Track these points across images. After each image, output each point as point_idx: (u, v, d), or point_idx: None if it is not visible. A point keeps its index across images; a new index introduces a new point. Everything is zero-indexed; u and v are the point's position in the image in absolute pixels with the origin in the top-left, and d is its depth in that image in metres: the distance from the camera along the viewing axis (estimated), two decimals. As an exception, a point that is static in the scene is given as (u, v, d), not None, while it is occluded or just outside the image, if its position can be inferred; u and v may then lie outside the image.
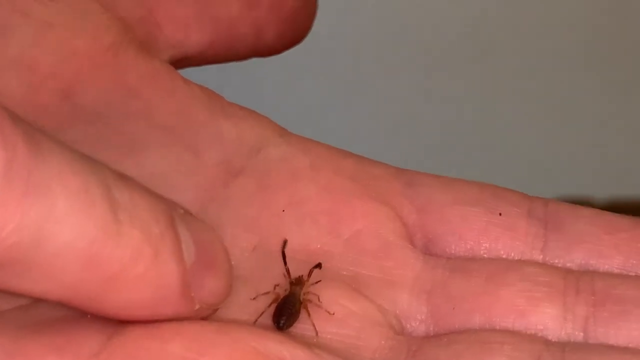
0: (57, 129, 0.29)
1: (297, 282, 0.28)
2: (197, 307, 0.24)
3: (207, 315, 0.25)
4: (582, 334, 0.27)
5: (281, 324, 0.27)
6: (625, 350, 0.26)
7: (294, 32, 0.34)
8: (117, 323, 0.24)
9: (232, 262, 0.28)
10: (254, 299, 0.27)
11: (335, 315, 0.27)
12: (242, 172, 0.30)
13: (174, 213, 0.24)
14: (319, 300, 0.27)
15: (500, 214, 0.30)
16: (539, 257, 0.29)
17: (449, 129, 0.64)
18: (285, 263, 0.28)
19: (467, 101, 0.65)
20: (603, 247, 0.29)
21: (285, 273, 0.28)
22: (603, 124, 0.66)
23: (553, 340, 0.27)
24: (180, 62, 0.32)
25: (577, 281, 0.28)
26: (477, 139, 0.65)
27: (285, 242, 0.28)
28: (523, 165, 0.66)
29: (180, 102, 0.30)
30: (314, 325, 0.27)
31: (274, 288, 0.28)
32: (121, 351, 0.24)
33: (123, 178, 0.23)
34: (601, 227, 0.29)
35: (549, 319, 0.27)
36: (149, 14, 0.31)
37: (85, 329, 0.24)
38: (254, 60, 0.35)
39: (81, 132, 0.29)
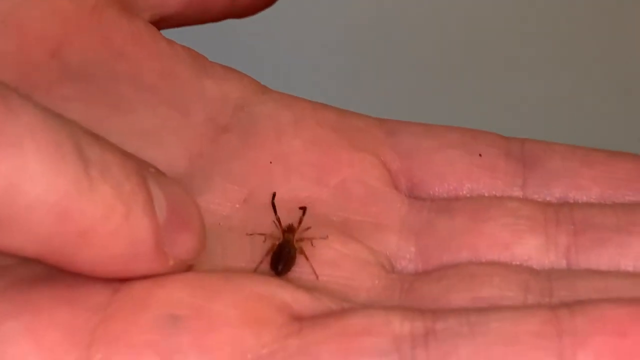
0: (47, 87, 0.29)
1: (289, 230, 0.29)
2: (170, 262, 0.25)
3: (181, 271, 0.25)
4: (565, 262, 0.28)
5: (279, 270, 0.27)
6: (607, 274, 0.27)
7: None
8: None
9: (225, 214, 0.29)
10: (250, 234, 0.28)
11: (328, 258, 0.28)
12: (227, 128, 0.31)
13: (145, 171, 0.25)
14: (312, 244, 0.28)
15: (480, 155, 0.31)
16: (519, 194, 0.30)
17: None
18: (275, 212, 0.29)
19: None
20: (580, 180, 0.30)
21: (277, 222, 0.29)
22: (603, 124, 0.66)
23: (538, 269, 0.28)
24: (157, 24, 0.33)
25: (557, 213, 0.29)
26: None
27: (274, 195, 0.29)
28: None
29: (164, 62, 0.31)
30: (312, 268, 0.28)
31: (264, 239, 0.28)
32: (128, 301, 0.25)
33: (94, 136, 0.24)
34: (578, 161, 0.30)
35: (532, 249, 0.28)
36: None
37: (92, 282, 0.25)
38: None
39: (70, 90, 0.30)
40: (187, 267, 0.26)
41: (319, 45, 0.61)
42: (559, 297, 0.26)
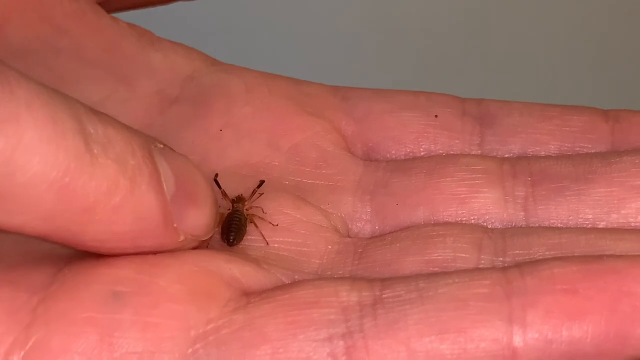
0: None
1: (239, 200, 0.28)
2: (181, 238, 0.24)
3: (194, 247, 0.25)
4: (523, 214, 0.27)
5: (231, 240, 0.27)
6: (563, 230, 0.27)
7: None
8: (69, 256, 0.25)
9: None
10: None
11: (281, 224, 0.27)
12: (177, 100, 0.31)
13: (152, 146, 0.24)
14: (263, 212, 0.28)
15: (436, 117, 0.30)
16: (477, 153, 0.30)
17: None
18: (220, 187, 0.28)
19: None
20: (538, 135, 0.30)
21: (223, 195, 0.28)
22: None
23: (496, 225, 0.28)
24: (105, 5, 0.32)
25: (514, 166, 0.28)
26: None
27: (216, 175, 0.28)
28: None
29: (109, 37, 0.31)
30: (263, 236, 0.27)
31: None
32: (71, 279, 0.24)
33: (97, 113, 0.23)
34: (534, 117, 0.30)
35: (490, 203, 0.28)
36: None
37: (36, 263, 0.25)
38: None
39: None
40: (202, 244, 0.25)
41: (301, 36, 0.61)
42: (512, 256, 0.26)
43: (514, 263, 0.25)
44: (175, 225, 0.24)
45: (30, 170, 0.22)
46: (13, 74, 0.22)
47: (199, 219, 0.25)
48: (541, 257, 0.25)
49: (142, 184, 0.23)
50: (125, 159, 0.23)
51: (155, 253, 0.24)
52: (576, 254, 0.25)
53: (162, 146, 0.25)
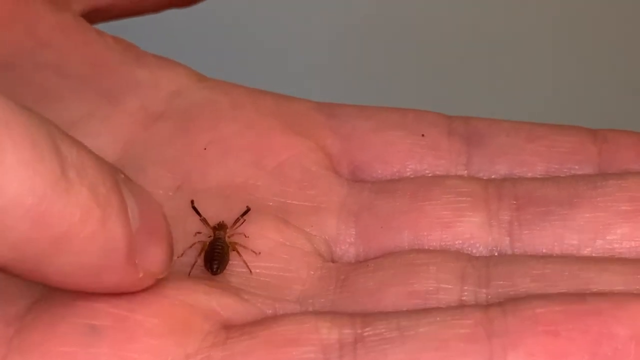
0: None
1: (220, 227, 0.28)
2: (140, 275, 0.24)
3: (149, 285, 0.24)
4: (508, 238, 0.27)
5: (215, 269, 0.27)
6: (547, 259, 0.26)
7: None
8: (43, 287, 0.24)
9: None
10: (180, 256, 0.27)
11: (263, 248, 0.27)
12: (161, 116, 0.30)
13: (117, 176, 0.23)
14: (245, 236, 0.27)
15: (423, 135, 0.30)
16: (463, 173, 0.30)
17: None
18: (199, 215, 0.28)
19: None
20: (525, 156, 0.29)
21: (204, 223, 0.28)
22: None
23: (480, 249, 0.27)
24: (93, 14, 0.32)
25: (499, 189, 0.28)
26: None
27: (192, 202, 0.28)
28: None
29: (93, 51, 0.30)
30: (246, 265, 0.27)
31: (195, 235, 0.28)
32: (47, 311, 0.24)
33: (70, 136, 0.22)
34: (521, 137, 0.30)
35: (475, 227, 0.27)
36: None
37: (12, 291, 0.24)
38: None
39: None
40: (155, 281, 0.24)
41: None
42: (495, 286, 0.25)
43: (497, 295, 0.25)
44: (136, 261, 0.23)
45: (6, 194, 0.21)
46: None
47: (159, 255, 0.24)
48: (524, 289, 0.25)
49: (112, 214, 0.22)
50: (97, 187, 0.22)
51: (113, 293, 0.24)
52: (559, 286, 0.25)
53: (123, 176, 0.24)
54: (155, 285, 0.24)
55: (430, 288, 0.25)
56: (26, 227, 0.21)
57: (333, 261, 0.28)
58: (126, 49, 0.31)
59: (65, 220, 0.22)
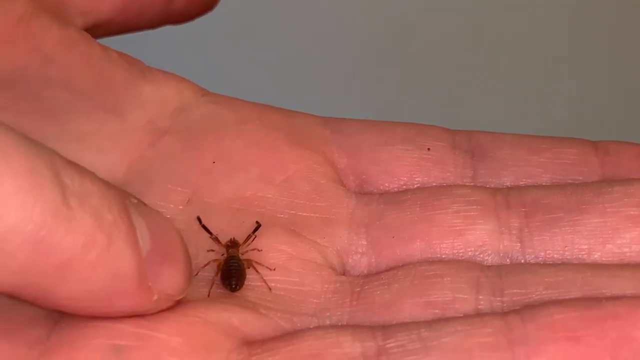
0: None
1: (233, 245, 0.28)
2: (155, 297, 0.24)
3: (166, 307, 0.24)
4: (519, 245, 0.27)
5: (233, 286, 0.27)
6: (559, 267, 0.27)
7: None
8: None
9: (168, 217, 0.27)
10: (195, 275, 0.27)
11: (276, 261, 0.27)
12: (168, 131, 0.30)
13: (127, 201, 0.23)
14: (258, 250, 0.28)
15: (428, 149, 0.30)
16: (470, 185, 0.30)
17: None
18: (210, 233, 0.28)
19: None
20: (530, 168, 0.30)
21: (215, 242, 0.28)
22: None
23: (492, 257, 0.28)
24: (92, 30, 0.32)
25: (507, 197, 0.28)
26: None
27: (199, 219, 0.28)
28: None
29: (98, 67, 0.30)
30: (265, 282, 0.27)
31: (207, 252, 0.28)
32: (69, 332, 0.24)
33: (73, 164, 0.23)
34: (525, 150, 0.30)
35: (486, 235, 0.28)
36: None
37: (31, 314, 0.24)
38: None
39: (1, 97, 0.29)
40: (173, 303, 0.25)
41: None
42: (510, 295, 0.26)
43: (512, 303, 0.25)
44: (149, 284, 0.23)
45: (5, 222, 0.21)
46: None
47: (174, 277, 0.24)
48: (538, 297, 0.25)
49: (118, 239, 0.23)
50: (101, 213, 0.22)
51: (127, 316, 0.24)
52: (573, 293, 0.25)
53: (136, 201, 0.24)
54: (176, 304, 0.24)
55: (447, 299, 0.26)
56: (27, 254, 0.21)
57: (345, 273, 0.28)
58: (131, 65, 0.31)
59: (67, 247, 0.22)
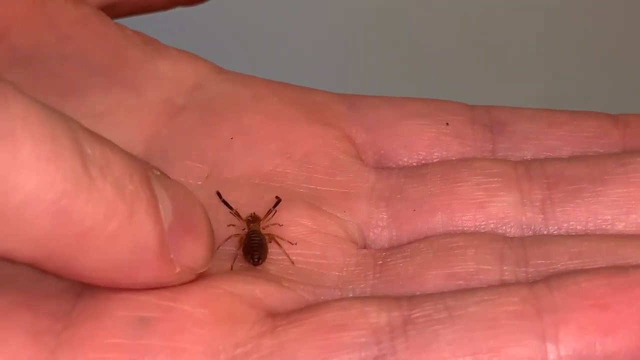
0: None
1: (254, 220, 0.28)
2: (177, 270, 0.23)
3: (188, 280, 0.24)
4: (542, 216, 0.27)
5: (256, 260, 0.26)
6: (583, 237, 0.27)
7: None
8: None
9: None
10: (217, 248, 0.26)
11: (297, 235, 0.27)
12: (185, 108, 0.30)
13: (149, 172, 0.23)
14: (279, 225, 0.27)
15: (447, 124, 0.30)
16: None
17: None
18: (231, 208, 0.28)
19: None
20: (550, 141, 0.29)
21: (236, 216, 0.28)
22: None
23: (514, 229, 0.27)
24: (106, 10, 0.32)
25: (528, 169, 0.28)
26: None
27: (219, 194, 0.28)
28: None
29: (114, 44, 0.30)
30: (288, 256, 0.27)
31: (228, 227, 0.27)
32: (93, 304, 0.24)
33: (94, 134, 0.22)
34: (544, 123, 0.30)
35: (508, 206, 0.27)
36: None
37: (54, 286, 0.24)
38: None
39: (19, 75, 0.29)
40: (196, 277, 0.24)
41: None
42: (534, 265, 0.25)
43: (537, 273, 0.25)
44: (171, 256, 0.23)
45: (24, 189, 0.20)
46: (9, 88, 0.21)
47: (196, 250, 0.24)
48: (563, 267, 0.25)
49: (140, 210, 0.22)
50: (123, 184, 0.22)
51: (150, 288, 0.23)
52: (598, 263, 0.25)
53: (158, 172, 0.23)
54: (200, 275, 0.24)
55: (471, 270, 0.25)
56: (48, 223, 0.21)
57: (366, 246, 0.28)
58: (147, 42, 0.31)
59: (88, 216, 0.21)
